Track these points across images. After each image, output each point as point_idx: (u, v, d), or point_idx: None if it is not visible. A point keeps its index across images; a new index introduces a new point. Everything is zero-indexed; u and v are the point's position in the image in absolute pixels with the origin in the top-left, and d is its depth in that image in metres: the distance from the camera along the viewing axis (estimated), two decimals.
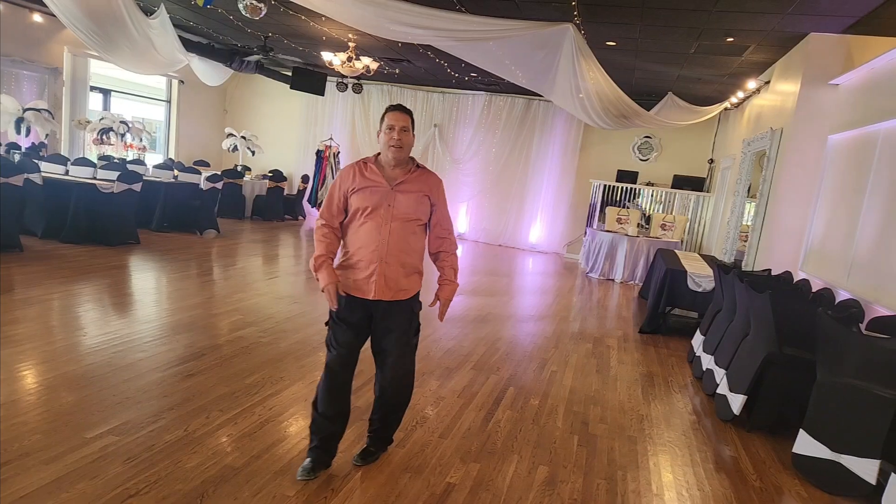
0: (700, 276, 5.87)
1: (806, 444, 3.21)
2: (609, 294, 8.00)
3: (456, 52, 5.58)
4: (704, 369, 4.59)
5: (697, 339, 5.18)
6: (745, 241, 7.26)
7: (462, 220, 11.70)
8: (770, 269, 5.32)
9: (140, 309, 4.89)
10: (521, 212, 11.38)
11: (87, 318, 4.43)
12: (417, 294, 2.62)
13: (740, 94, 7.93)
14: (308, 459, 2.58)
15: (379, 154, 2.55)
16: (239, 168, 10.87)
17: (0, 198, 5.70)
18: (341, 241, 2.56)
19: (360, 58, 7.80)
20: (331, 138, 11.44)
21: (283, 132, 12.35)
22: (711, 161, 10.31)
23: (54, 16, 5.52)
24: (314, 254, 2.53)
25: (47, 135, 8.13)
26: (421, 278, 2.62)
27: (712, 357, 4.53)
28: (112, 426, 2.79)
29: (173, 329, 4.31)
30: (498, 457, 2.96)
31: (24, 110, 7.51)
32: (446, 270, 2.64)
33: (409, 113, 2.53)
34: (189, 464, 2.56)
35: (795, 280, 5.03)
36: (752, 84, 7.29)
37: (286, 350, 4.12)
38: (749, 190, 7.23)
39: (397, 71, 10.05)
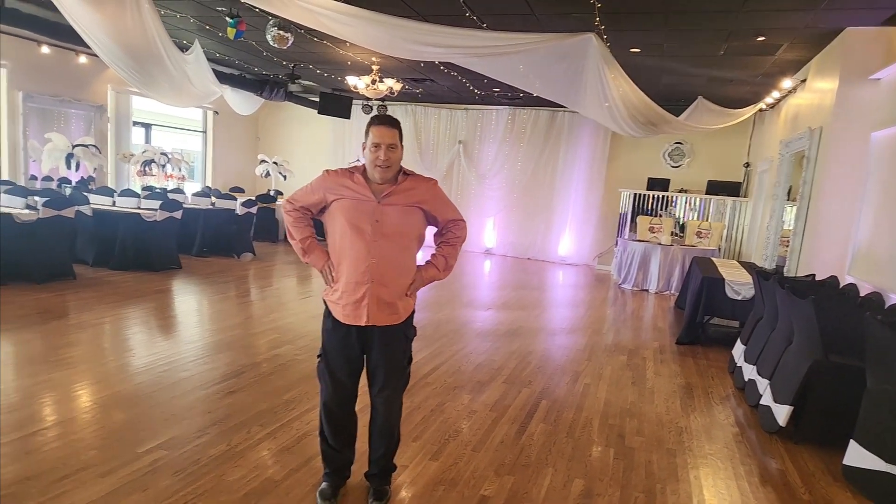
0: (739, 283, 5.71)
1: (857, 455, 3.07)
2: (643, 305, 7.86)
3: (477, 69, 5.65)
4: (746, 380, 4.45)
5: (738, 349, 5.03)
6: (787, 247, 7.03)
7: (489, 234, 11.70)
8: (814, 275, 5.13)
9: (184, 330, 5.08)
10: (550, 224, 11.31)
11: (135, 340, 4.63)
12: (412, 317, 2.45)
13: (775, 94, 7.72)
14: (325, 484, 2.53)
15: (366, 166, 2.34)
16: (272, 193, 11.20)
17: (55, 230, 6.04)
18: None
19: (384, 80, 7.98)
20: (357, 159, 11.68)
21: (313, 156, 12.67)
22: (747, 165, 10.06)
23: (98, 56, 5.86)
24: (297, 237, 2.39)
25: (95, 169, 8.57)
26: (415, 300, 2.46)
27: (754, 367, 4.39)
28: (161, 441, 2.91)
29: (215, 349, 4.45)
30: (532, 469, 2.94)
31: (74, 146, 7.95)
32: (437, 257, 2.44)
33: (396, 126, 2.31)
34: (232, 477, 2.64)
35: (842, 285, 4.84)
36: (787, 83, 7.09)
37: None
38: (789, 193, 7.02)
39: (420, 91, 10.22)
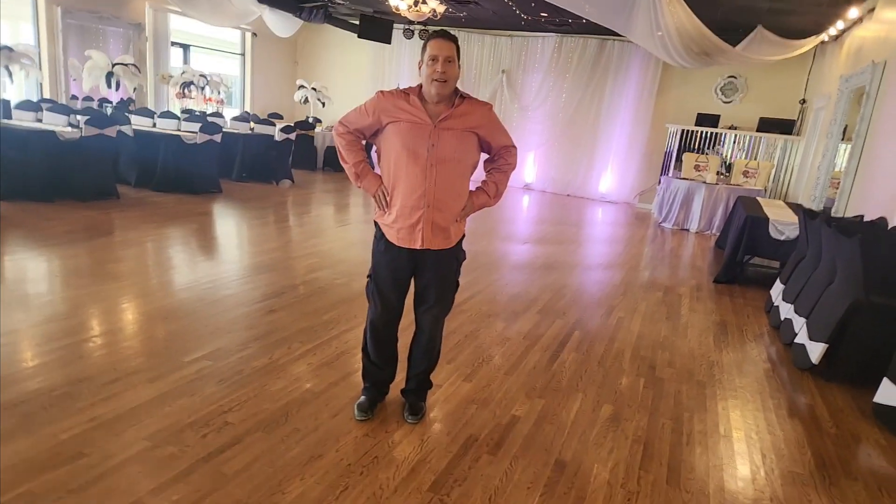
0: (783, 223, 5.53)
1: (889, 393, 3.06)
2: (683, 244, 7.72)
3: None
4: (783, 319, 4.40)
5: (777, 289, 4.94)
6: (837, 189, 6.72)
7: (529, 169, 11.48)
8: (862, 216, 4.92)
9: (225, 251, 5.26)
10: (592, 160, 10.99)
11: (178, 259, 4.83)
12: (462, 240, 2.47)
13: (840, 25, 7.12)
14: (363, 397, 2.64)
15: (421, 87, 2.28)
16: (310, 119, 11.14)
17: (98, 149, 6.20)
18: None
19: (427, 1, 7.65)
20: (398, 86, 11.41)
21: (353, 83, 12.44)
22: (804, 101, 9.46)
23: None
24: (350, 161, 2.35)
25: (135, 89, 8.64)
26: (465, 224, 2.46)
27: (792, 306, 4.32)
28: (206, 352, 3.08)
29: (255, 270, 4.62)
30: (562, 394, 3.03)
31: (114, 65, 7.99)
32: (488, 184, 2.42)
33: (453, 40, 2.23)
34: (274, 387, 2.80)
35: (891, 226, 4.64)
36: (853, 12, 6.52)
37: (358, 291, 4.32)
38: (844, 132, 6.62)
39: (464, 15, 9.77)
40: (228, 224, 6.38)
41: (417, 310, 2.55)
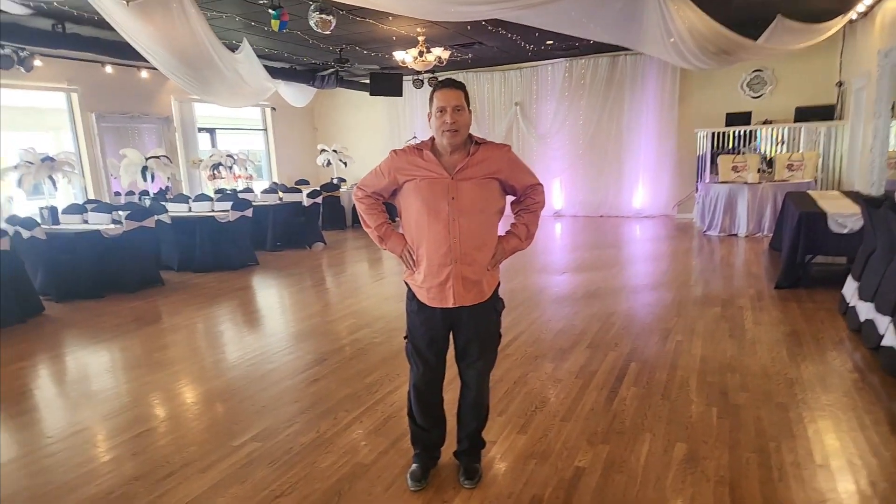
0: (843, 215, 5.12)
1: None
2: (733, 251, 7.30)
3: (527, 21, 5.33)
4: (863, 320, 3.99)
5: (850, 287, 4.52)
6: (894, 171, 6.25)
7: (557, 196, 11.28)
8: None
9: (266, 323, 5.26)
10: (621, 177, 10.72)
11: (223, 337, 4.83)
12: (497, 289, 2.34)
13: (867, 1, 6.79)
14: (415, 465, 2.50)
15: (433, 139, 2.22)
16: (335, 181, 11.37)
17: (139, 241, 6.43)
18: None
19: (431, 50, 7.77)
20: (414, 136, 11.59)
21: (370, 139, 12.72)
22: (840, 84, 8.99)
23: (157, 69, 6.07)
24: (372, 225, 2.29)
25: (169, 178, 9.03)
26: (498, 272, 2.35)
27: (871, 304, 3.91)
28: (254, 433, 2.99)
29: (296, 338, 4.56)
30: (628, 437, 2.76)
31: (147, 159, 8.39)
32: (518, 226, 2.31)
33: (460, 87, 2.16)
34: (324, 463, 2.67)
35: None
36: None
37: (398, 347, 4.19)
38: (893, 109, 6.19)
39: (470, 56, 9.90)
40: (267, 295, 6.43)
41: (460, 365, 2.41)
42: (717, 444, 2.66)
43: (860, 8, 7.08)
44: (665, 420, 2.90)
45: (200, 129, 10.42)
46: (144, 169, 8.29)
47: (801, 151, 8.77)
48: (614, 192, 10.81)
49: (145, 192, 8.71)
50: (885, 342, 3.51)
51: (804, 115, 9.12)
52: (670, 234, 8.82)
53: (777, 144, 9.40)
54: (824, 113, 8.97)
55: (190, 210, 8.07)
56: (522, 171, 2.30)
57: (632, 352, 3.88)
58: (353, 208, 10.96)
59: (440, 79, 2.25)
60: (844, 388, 3.20)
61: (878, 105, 6.33)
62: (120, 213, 6.86)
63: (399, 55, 7.73)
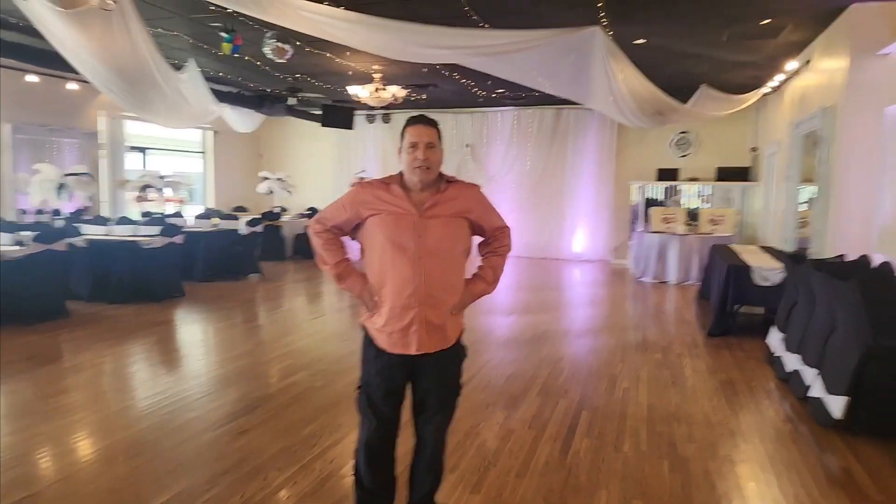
0: (766, 269, 5.48)
1: None
2: (666, 298, 7.61)
3: (484, 69, 5.44)
4: (790, 370, 4.20)
5: (775, 337, 4.78)
6: (804, 228, 6.81)
7: None
8: (843, 255, 4.90)
9: (188, 364, 4.82)
10: (563, 222, 11.10)
11: (136, 380, 4.36)
12: (461, 337, 2.22)
13: (779, 77, 7.55)
14: None
15: (402, 174, 2.12)
16: (277, 210, 10.97)
17: (45, 266, 5.80)
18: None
19: (387, 87, 7.77)
20: (363, 170, 11.47)
21: (318, 170, 12.48)
22: (754, 149, 9.84)
23: (88, 82, 5.65)
24: (330, 262, 2.12)
25: (90, 198, 8.35)
26: (462, 317, 2.24)
27: (797, 356, 4.14)
28: (166, 498, 2.61)
29: (223, 382, 4.20)
30: (584, 494, 2.69)
31: (65, 176, 7.73)
32: (485, 269, 2.23)
33: (434, 125, 2.08)
34: None
35: (874, 264, 4.60)
36: (791, 65, 6.91)
37: (341, 393, 3.95)
38: (802, 173, 6.80)
39: (424, 96, 10.02)
40: (191, 331, 5.96)
41: (417, 419, 2.23)
42: (672, 500, 2.64)
43: (772, 84, 7.86)
44: (619, 475, 2.86)
45: (131, 148, 9.78)
46: (61, 186, 7.62)
47: (722, 208, 9.42)
48: (556, 236, 11.14)
49: (58, 212, 7.98)
50: (813, 393, 3.69)
51: (724, 174, 9.89)
52: (608, 278, 9.11)
53: (701, 199, 10.07)
54: (741, 174, 9.77)
55: (109, 234, 7.46)
56: (492, 212, 2.24)
57: (582, 399, 3.86)
58: (295, 238, 10.62)
59: (412, 115, 2.16)
60: (782, 439, 3.31)
61: (790, 170, 6.93)
62: (25, 233, 6.20)
63: (354, 90, 7.67)
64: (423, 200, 2.07)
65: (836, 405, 3.37)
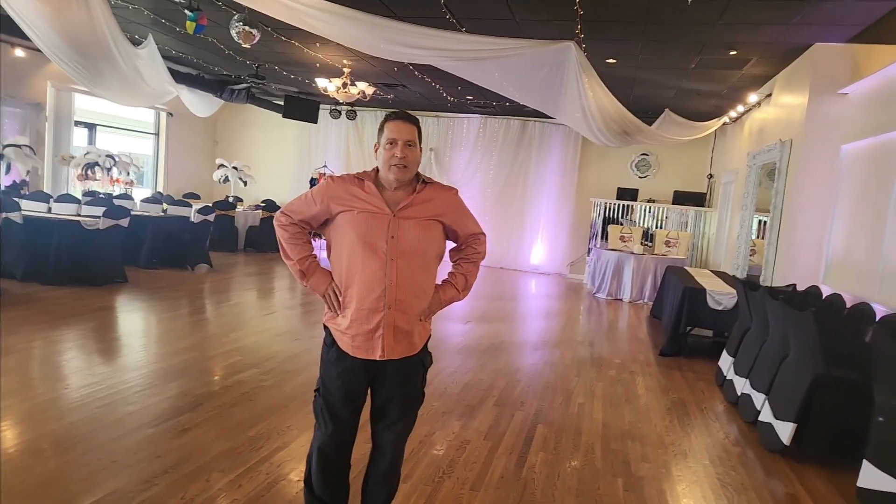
0: (719, 293, 5.62)
1: (872, 477, 2.91)
2: (619, 315, 7.73)
3: (458, 73, 5.39)
4: (740, 394, 4.30)
5: (726, 361, 4.89)
6: (753, 256, 7.06)
7: None
8: (795, 285, 5.08)
9: (128, 354, 4.52)
10: (522, 233, 11.16)
11: (70, 368, 4.05)
12: (427, 343, 2.13)
13: (740, 108, 7.84)
14: None
15: (378, 170, 2.04)
16: (231, 199, 10.57)
17: None
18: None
19: (356, 83, 7.61)
20: (325, 165, 11.23)
21: (277, 161, 12.11)
22: (711, 176, 10.19)
23: (37, 50, 5.27)
24: (294, 258, 2.01)
25: (28, 172, 7.81)
26: (430, 324, 2.13)
27: (747, 380, 4.24)
28: (98, 497, 2.42)
29: (165, 376, 3.94)
30: None
31: (4, 147, 7.19)
32: (456, 276, 2.13)
33: (414, 122, 1.99)
34: None
35: (825, 295, 4.79)
36: (753, 97, 7.19)
37: (291, 394, 3.78)
38: (756, 203, 7.06)
39: (391, 96, 9.90)
40: (134, 320, 5.62)
41: (376, 427, 2.12)
42: None
43: (732, 114, 8.17)
44: (574, 492, 2.81)
45: (78, 123, 9.21)
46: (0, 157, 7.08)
47: (676, 230, 9.69)
48: (515, 246, 11.17)
49: None
50: (762, 418, 3.77)
51: (680, 198, 10.19)
52: (563, 292, 9.19)
53: (652, 220, 10.33)
54: (696, 199, 10.09)
55: (49, 211, 6.98)
56: (468, 217, 2.15)
57: (538, 413, 3.82)
58: (248, 230, 10.24)
59: (391, 111, 2.05)
60: (731, 461, 3.36)
61: (746, 199, 7.17)
62: None
63: (322, 83, 7.47)
64: (398, 200, 1.98)
65: (785, 431, 3.45)
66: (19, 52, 7.85)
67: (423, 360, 2.11)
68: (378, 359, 1.97)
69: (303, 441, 3.09)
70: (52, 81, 8.50)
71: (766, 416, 3.73)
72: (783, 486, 3.13)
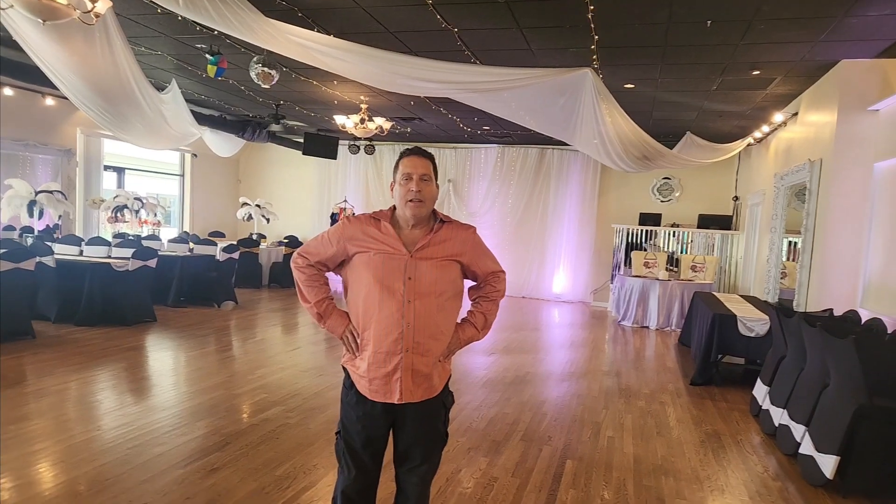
0: (751, 319, 5.46)
1: None
2: (646, 343, 7.55)
3: (475, 104, 5.46)
4: (777, 425, 4.12)
5: (760, 390, 4.72)
6: (784, 279, 6.87)
7: None
8: (831, 310, 4.90)
9: (158, 394, 4.56)
10: (543, 261, 11.07)
11: (102, 408, 4.10)
12: (448, 383, 2.09)
13: (765, 129, 7.72)
14: None
15: (394, 209, 2.04)
16: (254, 236, 10.76)
17: (13, 285, 5.52)
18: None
19: (373, 118, 7.77)
20: (345, 200, 11.39)
21: (298, 198, 12.34)
22: (736, 198, 10.02)
23: (66, 98, 5.51)
24: (312, 300, 2.00)
25: (60, 216, 8.08)
26: (450, 364, 2.10)
27: (785, 411, 4.07)
28: None
29: (193, 415, 3.96)
30: None
31: (37, 193, 7.48)
32: (476, 315, 2.10)
33: (429, 157, 1.99)
34: None
35: (864, 320, 4.61)
36: (778, 117, 7.08)
37: (316, 432, 3.75)
38: (786, 225, 6.90)
39: (409, 130, 10.06)
40: (163, 358, 5.68)
41: (399, 469, 2.09)
42: None
43: (757, 135, 8.06)
44: None
45: (107, 167, 9.55)
46: (32, 203, 7.35)
47: (702, 255, 9.51)
48: (537, 275, 11.08)
49: (29, 229, 7.68)
50: (803, 451, 3.60)
51: (706, 221, 10.01)
52: (588, 321, 9.04)
53: (677, 244, 10.16)
54: (722, 222, 9.90)
55: (81, 254, 7.19)
56: (486, 256, 2.12)
57: (566, 447, 3.71)
58: (272, 266, 10.38)
59: (406, 147, 2.07)
60: (772, 497, 3.21)
61: (774, 221, 7.02)
62: None
63: (340, 119, 7.64)
64: (415, 240, 1.96)
65: (827, 464, 3.29)
66: (49, 101, 8.20)
67: (444, 401, 2.07)
68: (397, 402, 1.94)
69: (328, 481, 3.05)
70: (82, 128, 8.85)
71: (806, 448, 3.56)
72: None
